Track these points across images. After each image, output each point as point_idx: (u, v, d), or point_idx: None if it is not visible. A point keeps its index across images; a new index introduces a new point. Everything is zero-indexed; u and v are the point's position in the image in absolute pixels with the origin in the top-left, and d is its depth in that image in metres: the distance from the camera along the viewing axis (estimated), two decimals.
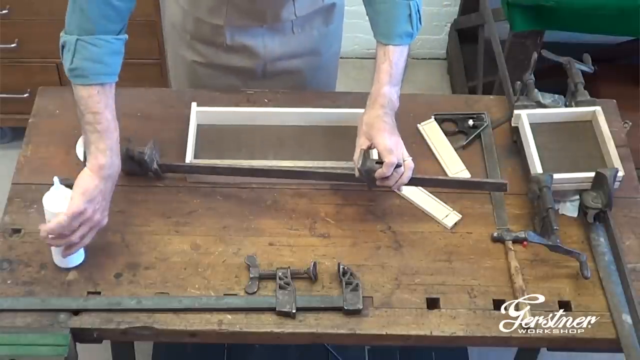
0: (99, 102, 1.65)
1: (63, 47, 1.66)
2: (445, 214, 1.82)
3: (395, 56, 1.77)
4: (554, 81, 2.12)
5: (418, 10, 1.78)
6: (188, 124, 1.93)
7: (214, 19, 1.95)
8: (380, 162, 1.73)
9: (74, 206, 1.61)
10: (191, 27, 1.99)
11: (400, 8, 1.76)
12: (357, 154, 1.74)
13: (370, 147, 1.74)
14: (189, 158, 1.86)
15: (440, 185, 1.83)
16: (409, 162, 1.72)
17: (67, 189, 1.62)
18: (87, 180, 1.64)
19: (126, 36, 1.70)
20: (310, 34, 2.03)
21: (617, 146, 1.86)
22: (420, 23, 1.80)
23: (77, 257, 1.70)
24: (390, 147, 1.70)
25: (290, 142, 1.93)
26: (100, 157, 1.65)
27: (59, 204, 1.60)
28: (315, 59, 2.09)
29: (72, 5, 1.65)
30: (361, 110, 1.95)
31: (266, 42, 2.00)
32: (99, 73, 1.65)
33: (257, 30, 1.98)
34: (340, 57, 2.25)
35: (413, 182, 1.79)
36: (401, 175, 1.71)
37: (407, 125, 1.99)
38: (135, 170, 1.84)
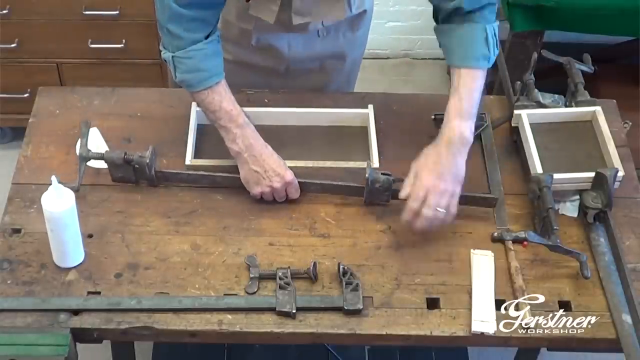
0: (213, 101, 1.75)
1: (166, 61, 1.76)
2: None
3: (465, 90, 1.69)
4: (554, 81, 2.12)
5: (495, 34, 1.74)
6: (188, 124, 1.93)
7: (242, 24, 1.95)
8: (385, 173, 1.77)
9: (290, 177, 1.78)
10: (220, 27, 1.99)
11: (476, 31, 1.72)
12: (405, 181, 1.73)
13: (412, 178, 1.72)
14: (188, 158, 1.86)
15: None
16: (438, 214, 1.68)
17: (66, 188, 1.62)
18: (271, 156, 1.78)
19: (217, 33, 1.76)
20: (335, 37, 2.03)
21: (617, 146, 1.86)
22: (498, 47, 1.75)
23: (77, 257, 1.70)
24: (426, 186, 1.67)
25: (290, 142, 1.93)
26: (247, 138, 1.77)
27: (57, 203, 1.60)
28: (338, 63, 2.10)
29: (159, 26, 1.73)
30: (362, 110, 1.96)
31: (291, 45, 2.00)
32: (201, 80, 1.74)
33: (284, 35, 1.98)
34: None
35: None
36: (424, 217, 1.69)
37: (407, 125, 1.99)
38: (128, 177, 1.83)
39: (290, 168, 1.81)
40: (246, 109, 1.94)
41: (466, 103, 1.70)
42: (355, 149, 1.93)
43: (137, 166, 1.80)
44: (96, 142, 1.92)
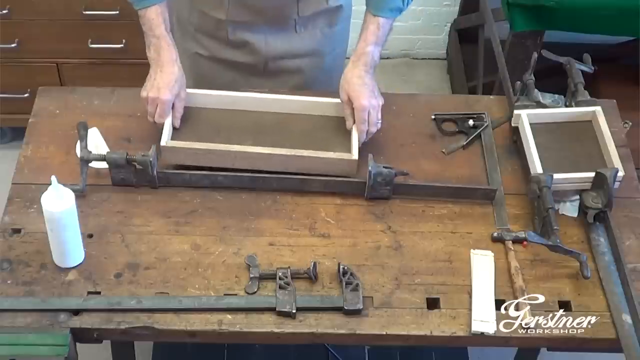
0: (144, 24, 1.88)
1: None
2: None
3: (383, 21, 1.87)
4: (554, 81, 2.12)
5: None
6: None
7: (216, 13, 1.96)
8: (387, 166, 1.79)
9: (165, 96, 1.83)
10: (195, 19, 2.01)
11: None
12: (345, 111, 1.87)
13: (350, 104, 1.84)
14: (164, 140, 1.83)
15: (431, 192, 1.84)
16: (378, 126, 1.86)
17: (66, 189, 1.62)
18: (168, 71, 1.85)
19: None
20: (313, 33, 2.03)
21: (617, 146, 1.86)
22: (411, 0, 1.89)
23: (77, 257, 1.70)
24: (367, 106, 1.82)
25: (269, 129, 1.90)
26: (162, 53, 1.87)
27: (57, 203, 1.60)
28: (317, 60, 2.09)
29: None
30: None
31: (268, 40, 2.01)
32: None
33: (259, 27, 1.98)
34: None
35: (405, 189, 1.82)
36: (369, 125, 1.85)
37: (406, 125, 1.99)
38: (129, 180, 1.83)
39: (268, 155, 1.81)
40: (225, 93, 1.94)
41: (381, 32, 1.88)
42: (335, 141, 1.89)
43: (139, 167, 1.80)
44: (96, 142, 1.92)
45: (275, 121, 1.93)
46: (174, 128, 1.88)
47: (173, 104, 1.86)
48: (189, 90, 1.92)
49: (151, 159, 1.79)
